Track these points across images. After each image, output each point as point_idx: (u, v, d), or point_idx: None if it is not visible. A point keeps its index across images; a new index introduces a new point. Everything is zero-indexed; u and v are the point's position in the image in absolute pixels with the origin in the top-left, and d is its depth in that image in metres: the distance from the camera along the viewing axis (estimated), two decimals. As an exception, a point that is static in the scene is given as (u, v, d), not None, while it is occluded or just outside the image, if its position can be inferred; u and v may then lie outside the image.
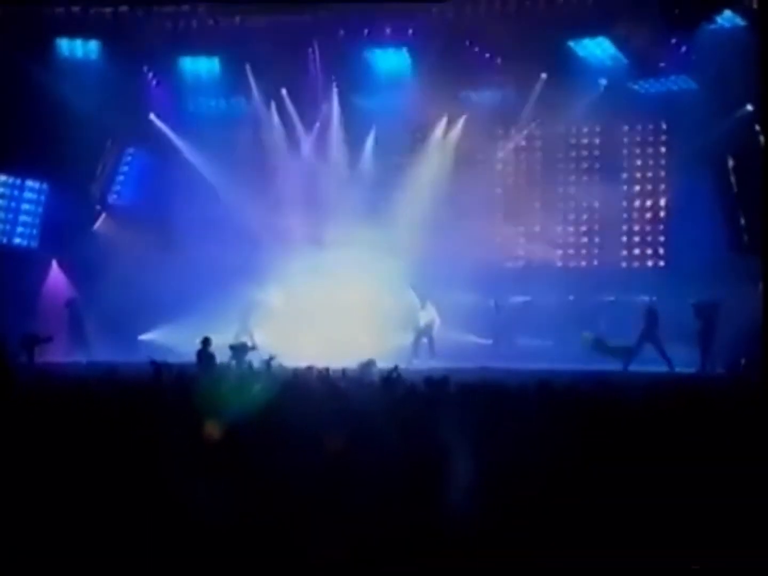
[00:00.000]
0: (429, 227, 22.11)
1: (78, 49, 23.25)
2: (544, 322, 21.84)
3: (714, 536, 5.12)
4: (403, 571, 5.03)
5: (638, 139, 23.56)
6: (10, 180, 23.86)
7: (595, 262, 23.84)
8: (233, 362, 17.92)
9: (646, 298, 20.78)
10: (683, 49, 21.00)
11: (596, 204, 23.61)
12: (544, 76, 22.48)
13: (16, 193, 23.98)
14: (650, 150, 23.43)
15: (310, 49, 23.09)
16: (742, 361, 17.10)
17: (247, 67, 23.35)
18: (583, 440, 6.39)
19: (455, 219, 22.28)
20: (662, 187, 23.28)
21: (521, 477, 5.63)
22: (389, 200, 22.59)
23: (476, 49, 22.42)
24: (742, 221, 20.33)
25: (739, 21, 19.59)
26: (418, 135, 23.99)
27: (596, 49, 22.12)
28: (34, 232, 24.39)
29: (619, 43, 21.48)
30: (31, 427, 6.55)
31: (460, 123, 23.72)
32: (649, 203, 23.43)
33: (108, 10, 22.11)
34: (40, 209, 24.31)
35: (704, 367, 18.76)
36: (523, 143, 24.38)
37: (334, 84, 23.88)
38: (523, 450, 5.95)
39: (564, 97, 22.02)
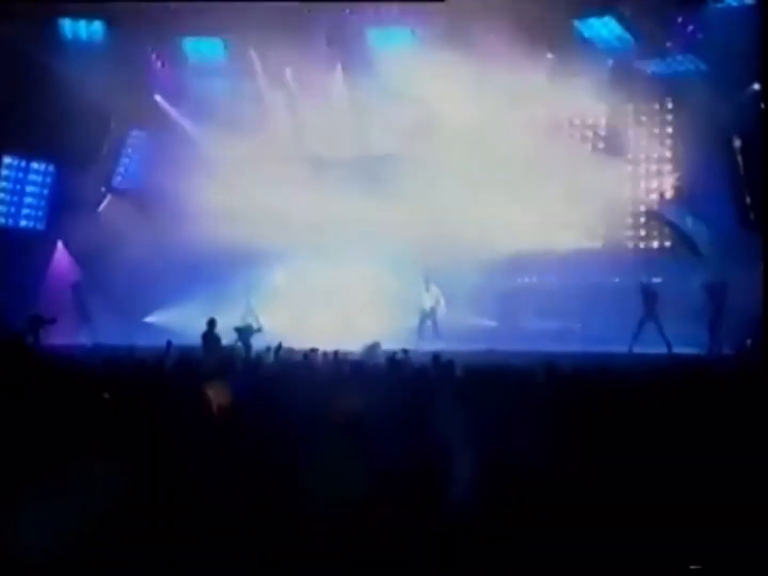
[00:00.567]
0: (435, 208, 22.04)
1: (82, 30, 23.16)
2: (549, 303, 21.81)
3: (718, 521, 5.12)
4: (410, 553, 5.03)
5: (644, 119, 23.45)
6: (15, 162, 23.85)
7: (601, 243, 23.77)
8: (239, 344, 17.96)
9: (644, 280, 20.68)
10: (690, 28, 20.88)
11: (602, 185, 23.50)
12: (549, 56, 22.37)
13: (21, 175, 23.98)
14: (656, 130, 23.33)
15: (314, 29, 22.97)
16: (748, 341, 17.08)
17: (252, 47, 23.26)
18: (589, 422, 6.38)
19: (461, 200, 22.22)
20: (668, 167, 23.18)
21: (526, 461, 5.63)
22: (394, 181, 22.52)
23: (481, 29, 22.27)
24: (749, 200, 20.27)
25: None
26: (424, 115, 23.86)
27: (602, 29, 21.98)
28: (40, 213, 24.42)
29: (626, 22, 21.34)
30: (40, 405, 6.56)
31: (466, 103, 23.59)
32: (655, 184, 23.35)
33: (112, -9, 22.01)
34: (45, 191, 24.34)
35: (712, 347, 18.72)
36: (530, 124, 24.24)
37: (339, 63, 23.77)
38: (530, 432, 5.95)
39: (570, 77, 21.89)
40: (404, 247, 21.52)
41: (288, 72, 23.92)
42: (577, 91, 22.33)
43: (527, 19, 20.90)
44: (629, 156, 23.42)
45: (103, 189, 25.09)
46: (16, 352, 11.41)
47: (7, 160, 23.62)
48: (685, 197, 22.12)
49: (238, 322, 19.40)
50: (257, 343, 17.11)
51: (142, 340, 16.22)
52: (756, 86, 19.72)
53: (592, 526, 5.15)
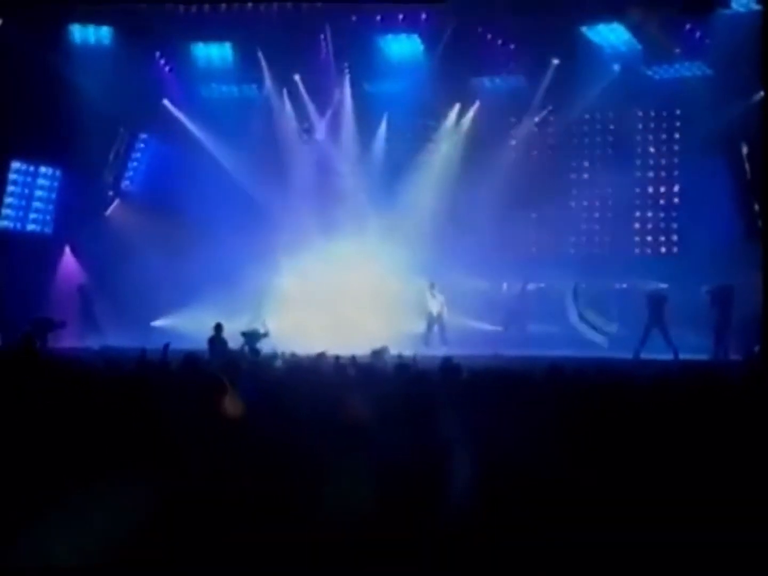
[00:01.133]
0: (441, 214, 22.08)
1: (90, 35, 23.25)
2: (556, 309, 21.80)
3: (723, 530, 5.11)
4: (416, 556, 5.04)
5: (652, 125, 23.47)
6: (24, 167, 23.92)
7: (608, 249, 23.76)
8: (246, 348, 17.96)
9: (651, 286, 20.66)
10: (698, 34, 20.89)
11: (609, 190, 23.52)
12: (556, 61, 22.39)
13: (29, 179, 24.06)
14: (664, 136, 23.35)
15: (322, 35, 23.03)
16: (756, 348, 17.03)
17: (260, 53, 23.33)
18: (594, 427, 6.38)
19: (468, 205, 22.25)
20: (676, 173, 23.21)
21: (528, 466, 5.63)
22: (401, 186, 22.57)
23: (489, 35, 22.35)
24: (756, 207, 20.24)
25: (754, 5, 19.44)
26: (431, 122, 23.91)
27: (610, 35, 22.00)
28: (48, 218, 24.50)
29: (633, 28, 21.35)
30: (45, 410, 6.58)
31: (473, 109, 23.67)
32: (662, 190, 23.37)
33: (121, -4, 22.12)
34: (53, 195, 24.42)
35: (717, 353, 18.68)
36: (536, 130, 24.30)
37: (347, 70, 23.83)
38: (535, 437, 5.95)
39: (577, 82, 21.93)
40: (410, 253, 21.52)
41: (296, 77, 23.96)
42: (585, 96, 22.37)
43: (535, 24, 20.94)
44: (637, 161, 23.42)
45: (110, 193, 25.18)
46: (26, 355, 11.43)
47: (15, 164, 23.70)
48: (693, 203, 22.09)
49: (244, 327, 19.41)
50: (264, 347, 17.12)
51: (150, 344, 16.22)
52: (763, 93, 19.70)
53: (598, 531, 5.14)
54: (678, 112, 23.13)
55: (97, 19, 22.90)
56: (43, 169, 24.20)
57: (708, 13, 19.89)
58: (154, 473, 5.47)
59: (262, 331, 19.16)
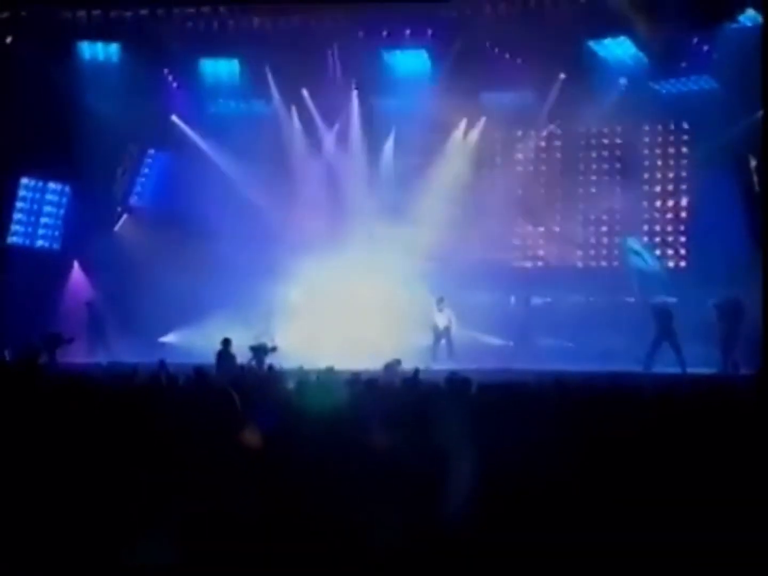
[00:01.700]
0: (449, 227, 22.07)
1: (99, 52, 23.34)
2: (565, 322, 21.76)
3: (733, 542, 5.09)
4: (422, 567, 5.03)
5: (659, 139, 23.47)
6: (33, 182, 24.04)
7: (616, 263, 23.72)
8: (253, 363, 17.98)
9: (656, 299, 20.62)
10: (705, 48, 20.90)
11: (617, 204, 23.50)
12: (563, 76, 22.42)
13: (38, 195, 24.16)
14: (671, 150, 23.34)
15: (329, 51, 23.10)
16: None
17: (267, 68, 23.39)
18: (600, 441, 6.37)
19: (475, 219, 22.25)
20: (683, 187, 23.18)
21: (533, 478, 5.62)
22: (409, 201, 22.57)
23: (496, 49, 22.38)
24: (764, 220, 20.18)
25: (761, 20, 19.44)
26: (438, 136, 23.89)
27: (617, 49, 22.02)
28: (56, 233, 24.59)
29: (640, 42, 21.37)
30: (50, 425, 6.59)
31: (480, 124, 23.70)
32: (670, 203, 23.34)
33: (128, 13, 22.18)
34: (61, 211, 24.52)
35: (725, 367, 18.63)
36: (543, 144, 24.33)
37: (354, 85, 23.88)
38: (542, 450, 5.94)
39: (584, 97, 21.90)
40: (418, 266, 21.52)
41: (304, 92, 24.02)
42: (592, 110, 22.38)
43: (542, 39, 20.96)
44: (644, 175, 23.41)
45: (119, 209, 25.25)
46: (28, 371, 11.47)
47: (24, 181, 23.81)
48: (701, 216, 22.07)
49: (253, 341, 19.41)
50: (272, 362, 17.13)
51: (156, 360, 16.22)
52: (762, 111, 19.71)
53: (605, 544, 5.13)
54: (685, 125, 23.12)
55: (106, 36, 22.98)
56: (52, 185, 24.31)
57: (715, 27, 19.91)
58: (157, 487, 5.47)
59: (270, 345, 19.16)
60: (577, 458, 5.96)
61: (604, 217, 23.93)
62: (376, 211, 22.40)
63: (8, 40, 21.61)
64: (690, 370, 18.31)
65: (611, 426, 6.75)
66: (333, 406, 7.40)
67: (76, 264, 24.67)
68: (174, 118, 24.52)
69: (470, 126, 23.78)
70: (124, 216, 25.28)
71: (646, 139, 23.49)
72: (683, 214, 23.20)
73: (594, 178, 23.96)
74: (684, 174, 23.17)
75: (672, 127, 23.31)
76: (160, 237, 23.15)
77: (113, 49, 23.33)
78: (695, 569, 5.03)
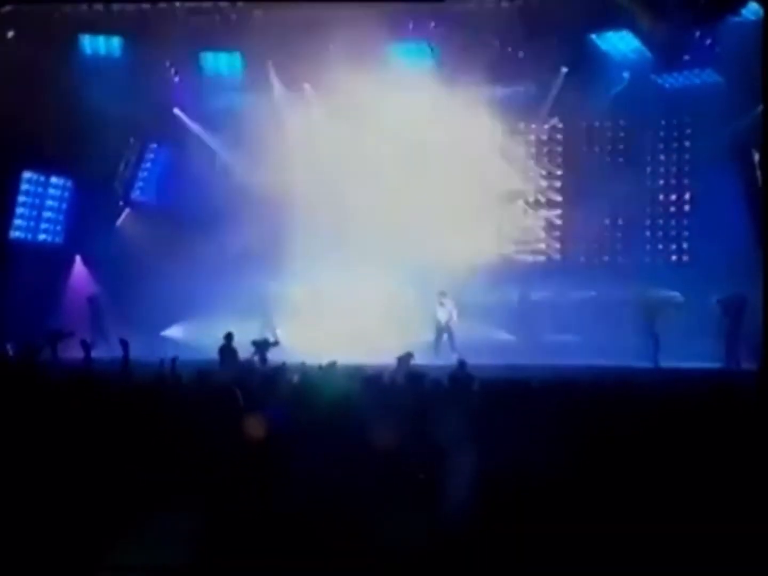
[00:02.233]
0: (451, 222, 22.04)
1: (100, 45, 23.34)
2: (567, 317, 21.75)
3: (727, 538, 5.08)
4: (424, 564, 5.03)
5: (662, 133, 23.40)
6: (35, 177, 24.02)
7: (619, 258, 23.70)
8: (255, 358, 17.97)
9: (648, 294, 20.75)
10: (708, 42, 20.84)
11: (620, 198, 23.45)
12: (565, 70, 22.37)
13: (40, 189, 24.16)
14: (674, 144, 23.28)
15: (331, 44, 23.04)
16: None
17: (269, 62, 23.36)
18: (606, 435, 6.36)
19: (478, 214, 22.22)
20: (686, 181, 23.13)
21: (536, 474, 5.62)
22: (411, 195, 22.53)
23: (498, 43, 22.35)
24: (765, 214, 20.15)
25: (764, 13, 19.37)
26: (440, 129, 23.85)
27: (619, 43, 21.98)
28: (58, 228, 24.58)
29: (643, 36, 21.32)
30: (51, 420, 6.58)
31: (482, 117, 23.64)
32: (673, 198, 23.29)
33: (130, 6, 22.15)
34: (64, 205, 24.52)
35: (729, 362, 18.61)
36: (545, 138, 24.29)
37: (356, 79, 23.80)
38: (546, 446, 5.93)
39: (586, 90, 21.89)
40: (421, 262, 21.50)
41: (306, 86, 23.98)
42: (594, 104, 22.34)
43: (544, 32, 20.93)
44: (647, 169, 23.36)
45: (121, 203, 25.24)
46: (26, 367, 11.47)
47: (27, 175, 23.79)
48: (704, 211, 22.02)
49: (255, 336, 19.41)
50: (274, 356, 17.14)
51: (160, 354, 16.21)
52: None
53: (610, 541, 5.12)
54: (688, 119, 23.06)
55: (107, 30, 22.98)
56: (54, 180, 24.30)
57: (718, 20, 19.85)
58: (164, 485, 5.46)
59: (272, 340, 19.17)
60: (581, 454, 5.95)
61: (607, 211, 23.87)
62: (379, 205, 22.35)
63: (10, 34, 21.55)
64: (695, 365, 18.28)
65: (614, 422, 6.75)
66: (337, 400, 7.40)
67: (78, 258, 24.66)
68: (176, 111, 24.49)
69: (472, 119, 23.72)
70: (126, 210, 25.27)
71: (649, 133, 23.44)
72: (686, 208, 23.15)
73: (597, 172, 23.90)
74: (686, 168, 23.11)
75: (674, 121, 23.25)
76: (162, 231, 23.16)
77: (115, 43, 23.32)
78: (700, 564, 5.03)
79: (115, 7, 22.15)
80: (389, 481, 5.62)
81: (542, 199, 24.16)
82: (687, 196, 23.04)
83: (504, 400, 7.58)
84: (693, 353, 18.72)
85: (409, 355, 13.81)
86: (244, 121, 23.57)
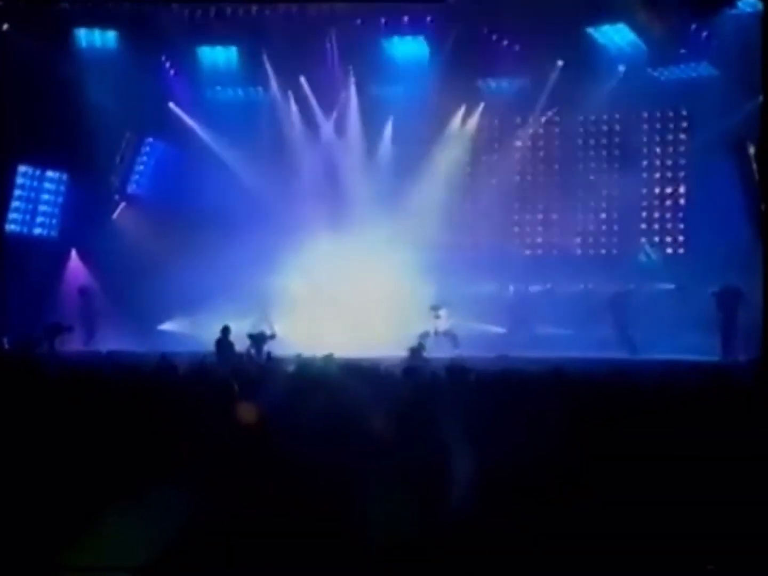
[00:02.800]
0: (447, 215, 22.06)
1: (96, 39, 23.29)
2: (562, 310, 21.77)
3: (724, 531, 5.09)
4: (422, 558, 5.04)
5: (658, 126, 23.43)
6: (31, 171, 23.97)
7: (615, 250, 23.73)
8: (252, 351, 18.00)
9: (615, 287, 21.12)
10: (704, 34, 20.85)
11: (615, 191, 23.48)
12: (561, 63, 22.39)
13: (35, 183, 24.10)
14: (670, 137, 23.32)
15: (327, 38, 23.04)
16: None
17: (265, 56, 23.35)
18: (601, 428, 6.38)
19: (473, 207, 22.25)
20: (682, 174, 23.17)
21: (533, 466, 5.63)
22: (408, 188, 22.55)
23: (494, 36, 22.34)
24: (764, 207, 20.16)
25: (761, 5, 19.38)
26: (436, 123, 23.84)
27: (615, 36, 21.99)
28: (54, 221, 24.54)
29: (639, 29, 21.32)
30: (49, 414, 6.59)
31: (478, 111, 23.67)
32: (668, 190, 23.32)
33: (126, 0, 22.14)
34: (59, 199, 24.47)
35: (725, 355, 18.64)
36: (542, 131, 24.30)
37: (352, 73, 23.83)
38: (541, 439, 5.95)
39: (583, 84, 21.92)
40: (417, 254, 21.48)
41: (302, 80, 23.96)
42: (590, 97, 22.35)
43: (540, 26, 20.92)
44: (643, 162, 23.38)
45: (117, 197, 25.19)
46: (25, 362, 11.46)
47: (22, 168, 23.74)
48: (699, 204, 22.05)
49: (251, 329, 19.42)
50: (271, 349, 17.16)
51: (157, 348, 16.25)
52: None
53: (604, 535, 5.14)
54: (684, 112, 23.09)
55: (103, 23, 22.93)
56: (49, 173, 24.26)
57: (714, 13, 19.86)
58: (161, 480, 5.47)
59: (268, 333, 19.18)
60: (577, 445, 5.96)
61: (603, 205, 23.91)
62: (374, 198, 22.36)
63: (5, 27, 21.52)
64: (690, 357, 18.31)
65: (610, 414, 6.76)
66: (333, 390, 7.42)
67: (73, 252, 24.62)
68: (172, 105, 24.45)
69: (468, 113, 23.76)
70: (122, 204, 25.22)
71: (645, 126, 23.47)
72: (682, 201, 23.18)
73: (592, 165, 23.93)
74: (683, 161, 23.15)
75: (671, 114, 23.28)
76: (157, 225, 23.13)
77: (111, 37, 23.28)
78: (696, 555, 5.04)
79: (111, 0, 22.11)
80: (384, 471, 5.63)
81: (538, 192, 24.17)
82: (682, 188, 23.07)
83: (500, 391, 7.61)
84: (688, 346, 18.77)
85: (421, 346, 13.82)
86: (239, 114, 23.58)
